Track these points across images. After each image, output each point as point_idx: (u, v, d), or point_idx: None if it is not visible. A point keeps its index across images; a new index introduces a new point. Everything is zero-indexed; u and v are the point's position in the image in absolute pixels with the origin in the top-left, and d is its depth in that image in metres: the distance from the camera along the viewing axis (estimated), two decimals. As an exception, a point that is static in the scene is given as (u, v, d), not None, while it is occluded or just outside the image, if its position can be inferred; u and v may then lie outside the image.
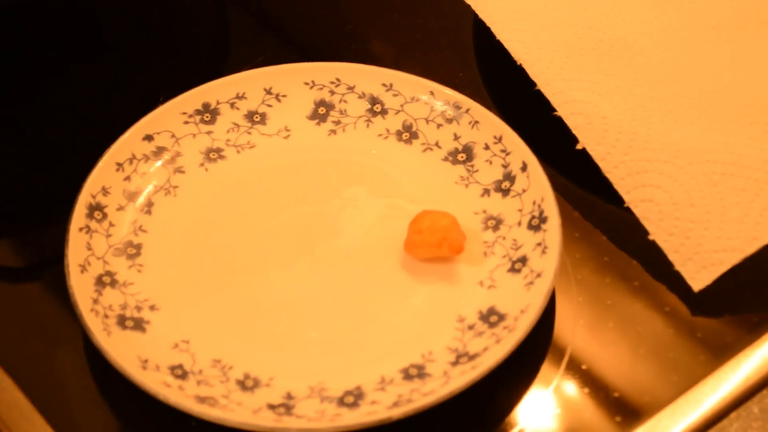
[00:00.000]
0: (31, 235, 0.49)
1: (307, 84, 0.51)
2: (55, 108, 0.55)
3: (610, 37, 0.52)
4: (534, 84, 0.50)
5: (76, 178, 0.47)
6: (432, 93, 0.50)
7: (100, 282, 0.44)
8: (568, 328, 0.45)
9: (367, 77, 0.51)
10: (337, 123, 0.51)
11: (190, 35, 0.60)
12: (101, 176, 0.47)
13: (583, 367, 0.44)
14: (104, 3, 0.58)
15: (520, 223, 0.46)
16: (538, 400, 0.43)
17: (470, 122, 0.49)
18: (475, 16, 0.54)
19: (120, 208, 0.47)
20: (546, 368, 0.44)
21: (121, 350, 0.41)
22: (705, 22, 0.53)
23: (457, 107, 0.50)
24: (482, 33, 0.53)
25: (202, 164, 0.49)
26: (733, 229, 0.45)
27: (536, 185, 0.46)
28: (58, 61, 0.56)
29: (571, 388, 0.43)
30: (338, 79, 0.51)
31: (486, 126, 0.49)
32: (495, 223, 0.47)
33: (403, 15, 0.61)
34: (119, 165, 0.48)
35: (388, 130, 0.51)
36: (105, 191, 0.47)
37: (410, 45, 0.58)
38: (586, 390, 0.43)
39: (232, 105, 0.51)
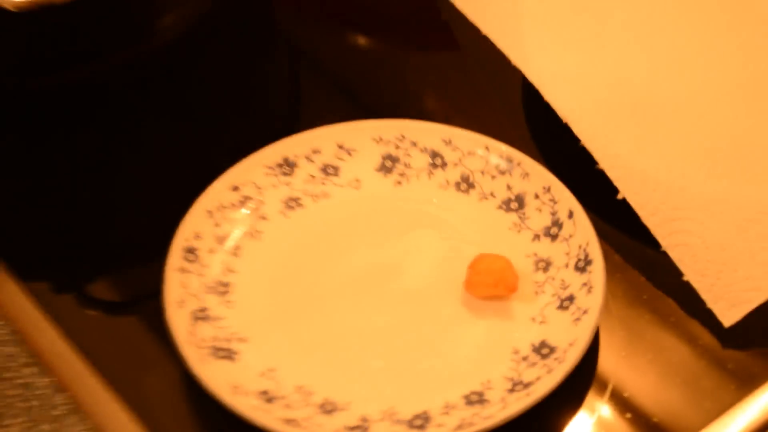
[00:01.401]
0: (133, 272, 0.54)
1: (374, 139, 0.56)
2: (152, 161, 0.59)
3: (649, 95, 0.57)
4: (579, 140, 0.55)
5: (172, 223, 0.52)
6: (487, 148, 0.55)
7: (194, 316, 0.49)
8: (610, 359, 0.49)
9: (429, 133, 0.56)
10: (402, 175, 0.55)
11: (269, 98, 0.65)
12: (193, 222, 0.52)
13: (625, 395, 0.48)
14: (193, 71, 0.63)
15: (567, 265, 0.51)
16: (584, 424, 0.47)
17: (521, 174, 0.54)
18: (524, 76, 0.58)
19: (211, 251, 0.52)
20: (591, 395, 0.48)
21: (214, 377, 0.46)
22: (741, 78, 0.57)
23: (510, 161, 0.54)
24: (531, 91, 0.57)
25: (282, 212, 0.54)
26: (760, 271, 0.49)
27: (582, 231, 0.51)
28: (156, 117, 0.61)
29: (614, 413, 0.48)
30: (403, 135, 0.56)
31: (536, 177, 0.53)
32: (545, 265, 0.51)
33: (457, 74, 0.65)
34: (209, 212, 0.52)
35: (447, 181, 0.55)
36: (197, 236, 0.52)
37: (464, 103, 0.63)
38: (628, 415, 0.47)
39: (309, 158, 0.55)
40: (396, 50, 0.68)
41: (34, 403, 0.46)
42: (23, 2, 0.48)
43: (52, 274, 0.54)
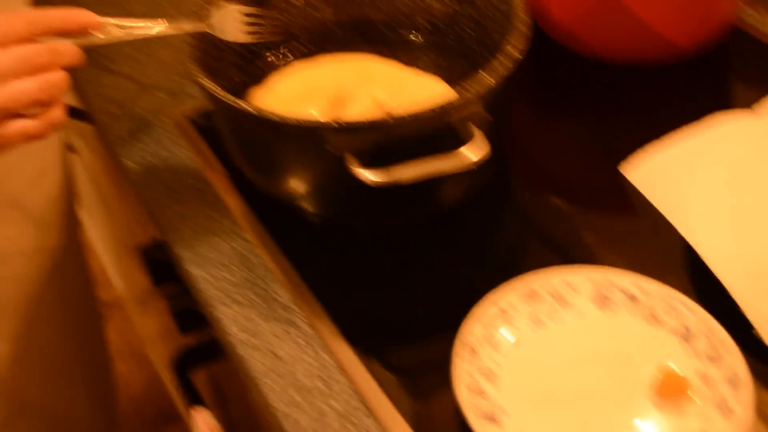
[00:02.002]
0: (434, 350, 0.79)
1: (590, 280, 0.80)
2: (440, 280, 0.87)
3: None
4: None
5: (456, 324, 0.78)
6: (665, 291, 0.79)
7: (471, 390, 0.74)
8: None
9: (627, 278, 0.80)
10: (610, 306, 0.79)
11: (507, 241, 0.92)
12: (468, 328, 0.77)
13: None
14: (459, 220, 0.91)
15: (723, 379, 0.73)
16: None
17: (688, 309, 0.77)
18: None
19: (481, 348, 0.76)
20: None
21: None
22: None
23: (681, 302, 0.78)
24: (691, 250, 0.80)
25: (531, 327, 0.78)
26: None
27: (734, 355, 0.74)
28: (439, 250, 0.90)
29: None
30: (609, 279, 0.80)
31: (698, 315, 0.77)
32: (706, 378, 0.74)
33: (635, 233, 0.90)
34: (480, 321, 0.77)
35: (639, 313, 0.78)
36: (471, 334, 0.76)
37: (649, 256, 0.87)
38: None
39: (546, 290, 0.80)
40: (591, 212, 0.94)
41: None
42: (378, 182, 0.76)
43: (380, 347, 0.81)
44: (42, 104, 0.74)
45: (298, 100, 0.94)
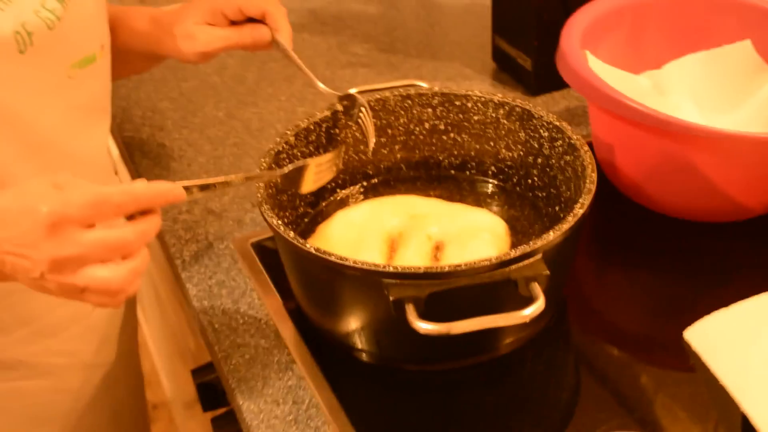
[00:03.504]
0: None
1: None
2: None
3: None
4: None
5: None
6: None
7: None
8: None
9: None
10: None
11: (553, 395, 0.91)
12: None
13: None
14: (513, 366, 0.90)
15: None
16: None
17: None
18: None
19: None
20: None
21: None
22: None
23: None
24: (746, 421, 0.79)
25: None
26: None
27: None
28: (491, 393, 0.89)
29: None
30: None
31: None
32: None
33: (693, 393, 0.89)
34: None
35: None
36: None
37: (698, 420, 0.86)
38: None
39: None
40: (649, 364, 0.93)
41: None
42: (433, 332, 0.76)
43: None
44: None
45: (359, 237, 0.95)
